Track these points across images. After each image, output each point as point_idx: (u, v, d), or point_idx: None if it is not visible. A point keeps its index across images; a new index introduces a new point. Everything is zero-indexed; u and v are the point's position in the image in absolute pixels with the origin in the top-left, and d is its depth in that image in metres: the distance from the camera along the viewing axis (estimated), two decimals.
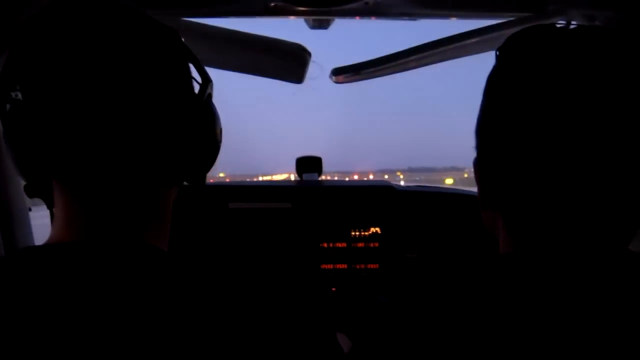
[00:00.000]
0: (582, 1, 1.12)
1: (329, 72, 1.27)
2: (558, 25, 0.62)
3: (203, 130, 0.68)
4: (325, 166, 1.66)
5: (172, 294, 0.56)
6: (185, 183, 0.72)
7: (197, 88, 0.70)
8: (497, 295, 0.55)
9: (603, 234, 0.57)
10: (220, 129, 0.75)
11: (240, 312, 0.58)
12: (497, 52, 0.66)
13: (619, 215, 0.57)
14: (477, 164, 0.67)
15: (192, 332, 0.54)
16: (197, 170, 0.71)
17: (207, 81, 0.70)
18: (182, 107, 0.65)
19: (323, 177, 1.70)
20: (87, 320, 0.52)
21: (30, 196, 0.69)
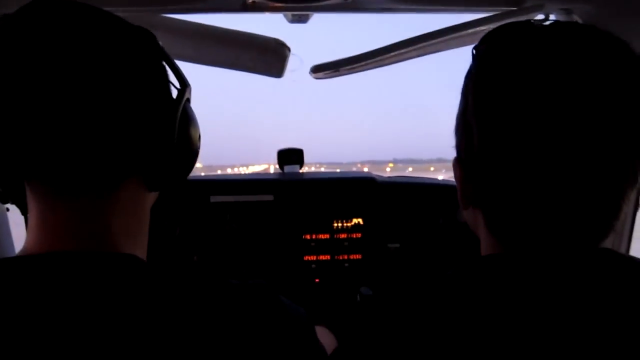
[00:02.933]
0: None
1: (308, 64, 1.26)
2: (533, 22, 0.62)
3: (181, 135, 0.68)
4: (306, 157, 1.67)
5: (148, 305, 0.56)
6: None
7: (174, 92, 0.69)
8: (483, 298, 0.55)
9: (581, 233, 0.58)
10: (199, 135, 0.74)
11: (220, 318, 0.59)
12: (474, 51, 0.66)
13: (597, 213, 0.57)
14: (457, 162, 0.67)
15: (171, 342, 0.54)
16: (175, 175, 0.70)
17: (184, 86, 0.69)
18: (160, 112, 0.65)
19: (305, 169, 1.71)
20: (62, 337, 0.52)
21: (4, 202, 0.69)
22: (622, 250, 1.25)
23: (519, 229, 0.60)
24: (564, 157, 0.55)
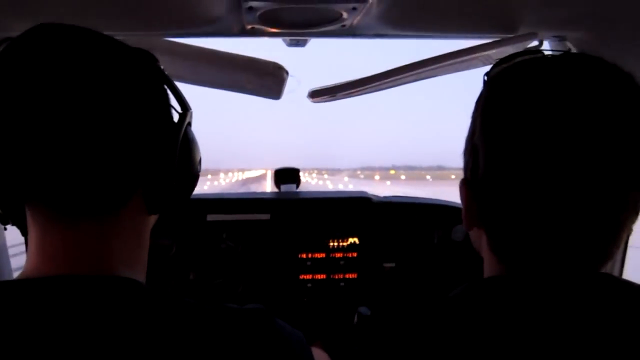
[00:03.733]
0: (553, 23, 1.14)
1: (306, 83, 1.28)
2: (549, 51, 0.64)
3: (182, 159, 0.68)
4: (303, 163, 1.68)
5: (147, 331, 0.56)
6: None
7: (175, 116, 0.70)
8: (486, 321, 0.57)
9: (582, 257, 0.59)
10: (200, 159, 0.75)
11: (217, 344, 0.59)
12: (485, 77, 0.68)
13: (597, 240, 0.58)
14: (464, 184, 0.68)
15: None
16: (175, 198, 0.71)
17: (186, 109, 0.70)
18: (161, 135, 0.65)
19: (302, 173, 1.72)
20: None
21: (4, 224, 0.69)
22: (616, 272, 1.27)
23: (521, 251, 0.61)
24: (567, 184, 0.56)
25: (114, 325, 0.55)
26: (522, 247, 0.61)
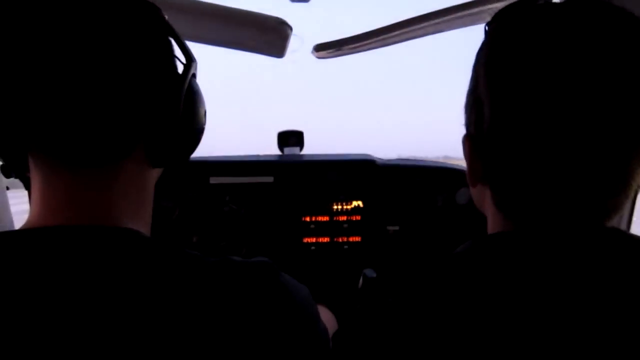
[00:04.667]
0: None
1: (309, 45, 1.25)
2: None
3: (187, 110, 0.67)
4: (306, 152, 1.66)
5: (150, 282, 0.56)
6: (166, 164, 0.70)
7: (180, 67, 0.68)
8: (497, 277, 0.56)
9: (591, 209, 0.58)
10: (205, 111, 0.74)
11: (222, 297, 0.58)
12: (486, 27, 0.65)
13: (607, 189, 0.57)
14: (467, 139, 0.67)
15: (175, 321, 0.54)
16: (180, 152, 0.70)
17: (190, 60, 0.68)
18: (165, 85, 0.64)
19: None
20: (66, 312, 0.51)
21: (7, 176, 0.69)
22: (623, 225, 1.26)
23: (529, 205, 0.60)
24: (577, 133, 0.55)
25: (117, 276, 0.55)
26: (530, 200, 0.59)
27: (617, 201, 0.58)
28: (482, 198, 0.68)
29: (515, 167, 0.59)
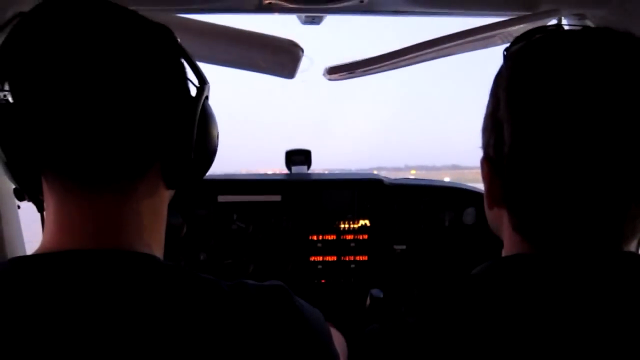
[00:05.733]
0: (574, 1, 1.13)
1: (319, 64, 1.26)
2: (568, 27, 0.63)
3: (200, 132, 0.68)
4: (315, 164, 1.67)
5: (165, 306, 0.56)
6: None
7: (193, 89, 0.69)
8: (517, 298, 0.56)
9: (612, 234, 0.58)
10: (218, 133, 0.74)
11: (237, 320, 0.58)
12: (505, 52, 0.66)
13: (630, 214, 0.58)
14: (486, 161, 0.67)
15: (194, 347, 0.54)
16: (194, 173, 0.70)
17: (203, 83, 0.69)
18: (179, 108, 0.65)
19: None
20: (85, 338, 0.52)
21: (20, 199, 0.69)
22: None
23: (548, 228, 0.60)
24: (598, 158, 0.55)
25: (133, 302, 0.55)
26: (549, 223, 0.60)
27: (635, 226, 0.59)
28: (499, 220, 0.68)
29: (535, 190, 0.60)
